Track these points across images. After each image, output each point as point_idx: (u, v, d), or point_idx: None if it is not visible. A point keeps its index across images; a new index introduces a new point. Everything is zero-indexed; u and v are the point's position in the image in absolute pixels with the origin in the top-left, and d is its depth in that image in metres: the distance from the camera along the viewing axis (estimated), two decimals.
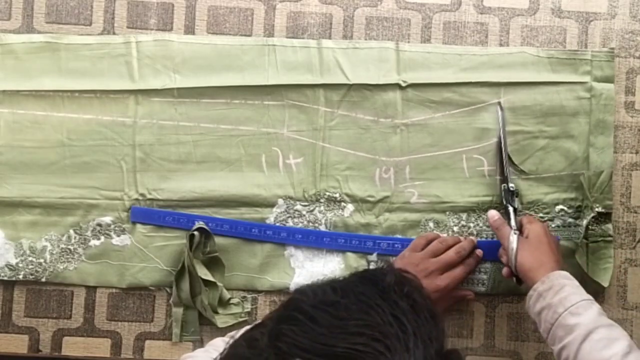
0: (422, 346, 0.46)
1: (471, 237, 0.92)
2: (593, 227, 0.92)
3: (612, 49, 0.94)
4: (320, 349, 0.45)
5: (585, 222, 0.92)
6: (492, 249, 0.93)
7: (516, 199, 0.90)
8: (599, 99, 0.93)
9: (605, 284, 0.92)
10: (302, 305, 0.48)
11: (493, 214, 0.89)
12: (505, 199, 0.90)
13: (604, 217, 0.92)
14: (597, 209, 0.92)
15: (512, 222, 0.87)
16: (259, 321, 0.55)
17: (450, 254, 0.88)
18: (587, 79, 0.93)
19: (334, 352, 0.44)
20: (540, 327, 0.78)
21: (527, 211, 0.93)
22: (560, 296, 0.75)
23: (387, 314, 0.47)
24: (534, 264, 0.81)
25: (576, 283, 0.78)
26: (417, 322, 0.47)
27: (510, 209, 0.89)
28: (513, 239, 0.84)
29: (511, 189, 0.90)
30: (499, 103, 0.93)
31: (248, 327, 0.54)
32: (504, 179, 0.92)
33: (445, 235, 0.92)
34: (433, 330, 0.48)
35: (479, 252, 0.91)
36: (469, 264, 0.90)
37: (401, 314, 0.47)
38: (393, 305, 0.48)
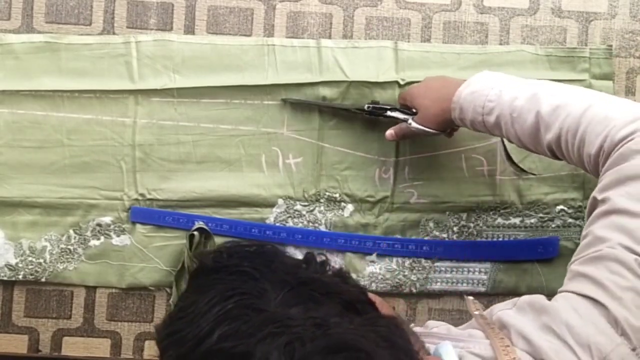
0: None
1: None
2: None
3: (610, 46, 0.94)
4: None
5: None
6: (492, 249, 0.93)
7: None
8: None
9: None
10: None
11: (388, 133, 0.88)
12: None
13: None
14: None
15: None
16: None
17: None
18: (585, 76, 0.93)
19: None
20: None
21: (527, 211, 0.93)
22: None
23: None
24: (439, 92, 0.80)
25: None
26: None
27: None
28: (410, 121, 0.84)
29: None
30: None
31: None
32: None
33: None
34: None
35: None
36: None
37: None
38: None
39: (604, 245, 0.56)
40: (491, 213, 0.94)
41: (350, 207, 0.94)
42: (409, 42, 0.94)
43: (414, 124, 0.83)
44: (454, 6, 0.95)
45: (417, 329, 0.67)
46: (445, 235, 0.94)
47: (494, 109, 0.72)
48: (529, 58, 0.93)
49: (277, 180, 0.94)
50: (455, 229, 0.94)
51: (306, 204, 0.94)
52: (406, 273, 0.94)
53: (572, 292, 0.56)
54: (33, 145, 0.93)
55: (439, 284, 0.94)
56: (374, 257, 0.93)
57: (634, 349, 0.52)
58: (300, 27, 0.95)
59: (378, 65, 0.93)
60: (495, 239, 0.93)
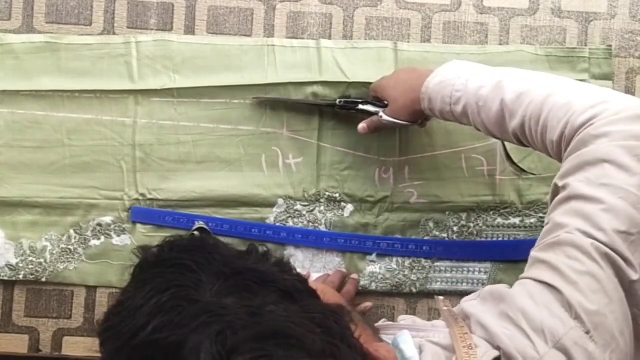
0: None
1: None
2: None
3: (610, 46, 0.94)
4: None
5: None
6: (492, 249, 0.93)
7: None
8: None
9: None
10: None
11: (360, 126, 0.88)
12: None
13: None
14: None
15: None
16: None
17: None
18: (585, 76, 0.93)
19: None
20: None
21: (527, 211, 0.93)
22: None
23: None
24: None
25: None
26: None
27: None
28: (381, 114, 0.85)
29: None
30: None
31: None
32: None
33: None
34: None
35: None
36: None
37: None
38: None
39: (562, 231, 0.57)
40: (491, 213, 0.94)
41: (350, 207, 0.94)
42: (409, 42, 0.94)
43: (384, 117, 0.84)
44: (454, 6, 0.95)
45: (387, 323, 0.67)
46: (445, 235, 0.94)
47: (460, 99, 0.72)
48: (528, 58, 0.94)
49: (277, 180, 0.94)
50: (455, 229, 0.94)
51: (306, 204, 0.94)
52: (406, 273, 0.94)
53: (530, 278, 0.57)
54: (33, 145, 0.93)
55: (439, 284, 0.94)
56: (374, 257, 0.94)
57: (587, 332, 0.52)
58: (300, 27, 0.95)
59: (378, 66, 0.93)
60: (495, 239, 0.93)
